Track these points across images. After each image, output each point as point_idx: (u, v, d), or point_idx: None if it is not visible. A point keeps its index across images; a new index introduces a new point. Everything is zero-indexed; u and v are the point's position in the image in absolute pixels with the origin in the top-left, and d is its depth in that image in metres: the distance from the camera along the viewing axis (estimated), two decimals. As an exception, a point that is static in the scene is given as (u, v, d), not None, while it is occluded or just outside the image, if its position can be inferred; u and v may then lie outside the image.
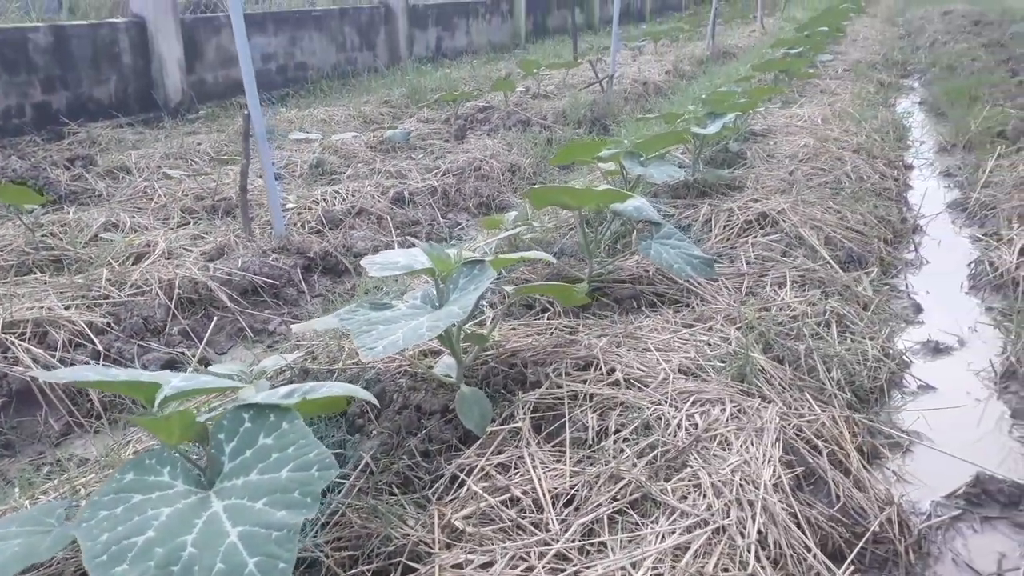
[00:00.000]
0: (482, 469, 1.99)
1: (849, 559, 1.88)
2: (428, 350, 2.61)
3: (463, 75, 10.00)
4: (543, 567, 1.64)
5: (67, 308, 3.32)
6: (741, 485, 1.91)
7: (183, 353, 3.26)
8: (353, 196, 4.96)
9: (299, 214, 4.67)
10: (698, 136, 4.36)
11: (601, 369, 2.36)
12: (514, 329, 2.73)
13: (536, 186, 2.81)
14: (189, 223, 4.63)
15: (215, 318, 3.49)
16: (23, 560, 1.31)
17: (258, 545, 1.17)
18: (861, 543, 1.95)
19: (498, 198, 5.37)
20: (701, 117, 4.77)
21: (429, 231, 4.84)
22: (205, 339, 3.26)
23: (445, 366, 2.38)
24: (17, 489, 2.13)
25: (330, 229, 4.55)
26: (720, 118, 4.44)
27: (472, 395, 2.21)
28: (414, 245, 2.61)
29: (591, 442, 2.10)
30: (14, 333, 3.09)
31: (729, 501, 1.86)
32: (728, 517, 1.82)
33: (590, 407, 2.21)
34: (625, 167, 3.45)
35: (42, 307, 3.29)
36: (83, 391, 2.95)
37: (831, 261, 3.45)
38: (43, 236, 4.28)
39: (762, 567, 1.72)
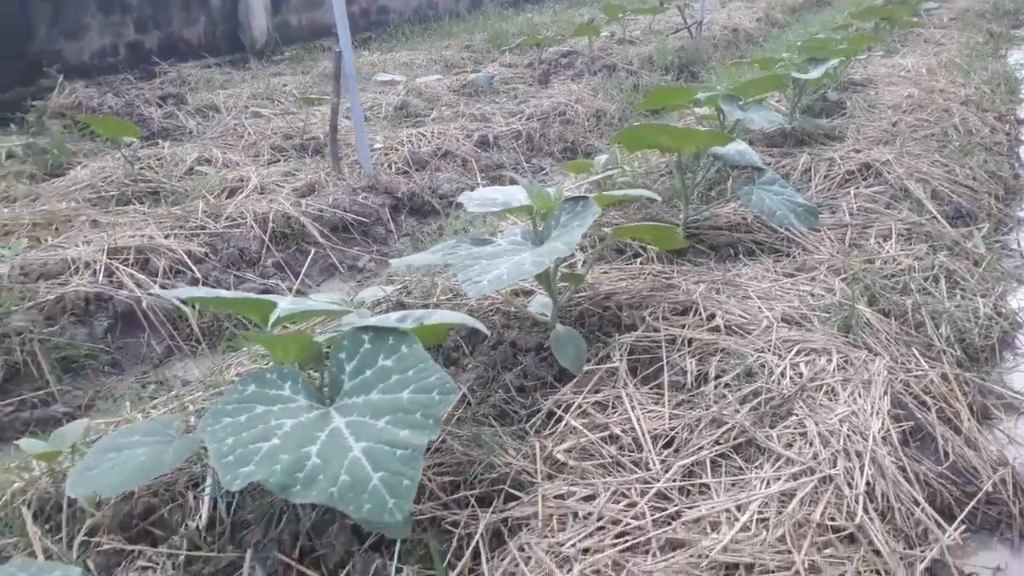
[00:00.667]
0: (579, 407, 1.98)
1: (960, 518, 1.81)
2: (519, 290, 2.60)
3: (545, 20, 9.82)
4: (645, 504, 1.63)
5: (166, 237, 3.41)
6: (848, 436, 1.85)
7: (277, 284, 3.32)
8: (438, 138, 4.94)
9: (386, 155, 4.67)
10: (798, 82, 4.18)
11: (700, 314, 2.31)
12: (606, 273, 2.68)
13: (632, 125, 2.73)
14: (279, 161, 4.68)
15: (309, 253, 3.55)
16: (150, 471, 1.35)
17: (382, 461, 1.17)
18: (972, 503, 1.88)
19: (583, 143, 5.28)
20: (800, 63, 4.57)
21: (514, 173, 4.79)
22: (303, 272, 3.32)
23: (539, 305, 2.36)
24: (128, 403, 2.21)
25: (416, 170, 4.55)
26: (822, 64, 4.25)
27: (567, 334, 2.19)
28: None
29: (690, 386, 2.06)
30: (118, 259, 3.19)
31: (836, 451, 1.81)
32: (835, 467, 1.77)
33: (689, 352, 2.17)
34: (724, 111, 3.33)
35: (143, 235, 3.38)
36: (183, 316, 3.04)
37: (938, 215, 3.29)
38: (140, 169, 4.39)
39: (870, 519, 1.67)
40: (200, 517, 1.64)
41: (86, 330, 2.89)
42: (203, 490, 1.70)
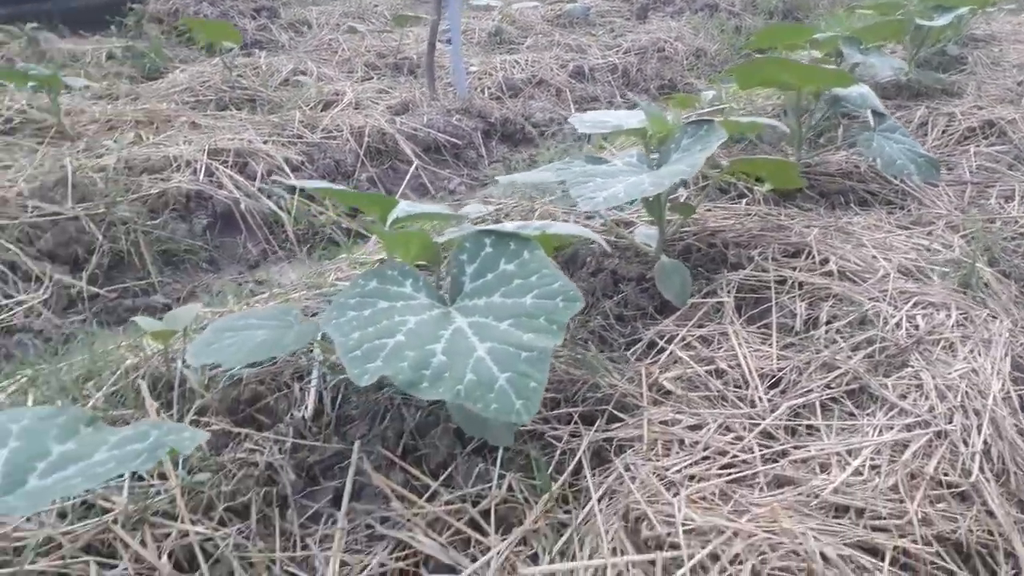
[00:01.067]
0: (683, 339, 1.93)
1: (1078, 489, 1.72)
2: (619, 220, 2.54)
3: (645, -44, 9.48)
4: (752, 439, 1.59)
5: (264, 142, 3.43)
6: (967, 393, 1.77)
7: (369, 199, 3.32)
8: (532, 67, 4.85)
9: (480, 79, 4.61)
10: (919, 31, 3.95)
11: (813, 258, 2.22)
12: (710, 211, 2.60)
13: (747, 60, 2.60)
14: (372, 78, 4.66)
15: (401, 171, 3.54)
16: (271, 348, 1.37)
17: (508, 363, 1.16)
18: (1092, 475, 1.78)
19: (681, 81, 5.12)
20: (922, 11, 4.31)
21: (608, 108, 4.68)
22: (399, 191, 3.32)
23: (643, 235, 2.30)
24: (231, 297, 2.25)
25: (510, 97, 4.48)
26: (949, 12, 4.00)
27: (672, 266, 2.14)
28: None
29: (799, 330, 1.99)
30: (218, 160, 3.23)
31: (953, 407, 1.73)
32: (951, 423, 1.69)
33: (799, 295, 2.09)
34: (844, 53, 3.16)
35: (242, 139, 3.41)
36: (279, 222, 3.07)
37: (1065, 181, 3.09)
38: (237, 76, 4.42)
39: (985, 479, 1.60)
40: (306, 408, 1.66)
41: (186, 226, 2.95)
42: (309, 382, 1.72)
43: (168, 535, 1.34)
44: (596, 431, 1.59)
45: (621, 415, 1.64)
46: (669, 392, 1.71)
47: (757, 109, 3.65)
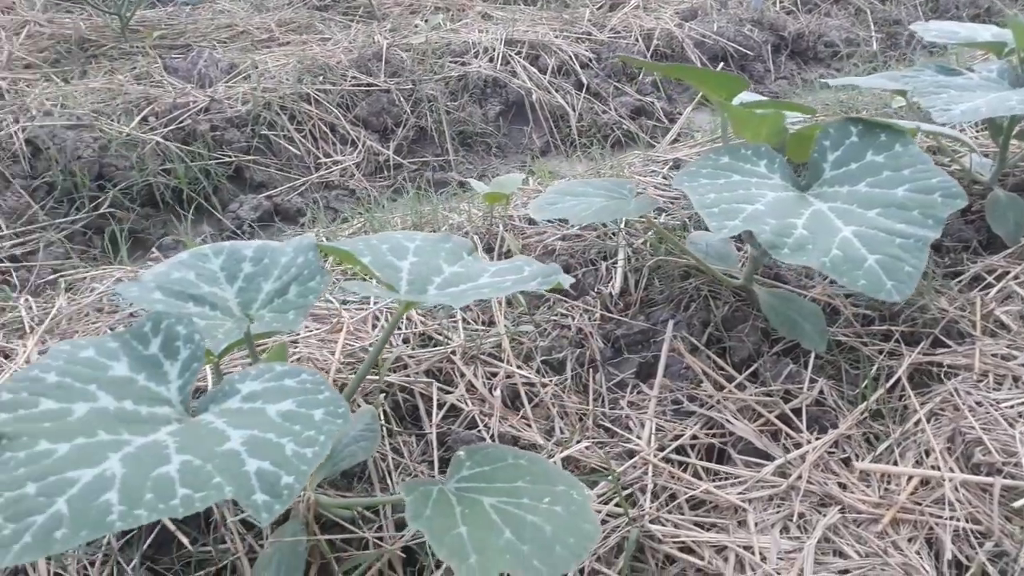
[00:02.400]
0: (1017, 276, 1.76)
1: None
2: (932, 147, 2.33)
3: None
4: (1102, 391, 1.43)
5: (556, 37, 3.47)
6: None
7: (652, 103, 3.29)
8: (832, -19, 4.49)
9: (774, -10, 4.35)
10: None
11: None
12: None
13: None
14: (660, -18, 4.55)
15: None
16: (613, 212, 1.41)
17: (878, 245, 1.12)
18: None
19: (997, 10, 4.54)
20: None
21: (910, 33, 4.27)
22: (689, 111, 3.24)
23: (976, 163, 2.10)
24: (529, 180, 2.34)
25: (805, 12, 4.20)
26: None
27: (1008, 200, 1.94)
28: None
29: None
30: (513, 50, 3.32)
31: None
32: None
33: None
34: None
35: (535, 32, 3.47)
36: (564, 116, 3.13)
37: None
38: (528, -28, 4.47)
39: None
40: (613, 285, 1.71)
41: (481, 111, 3.08)
42: (615, 263, 1.76)
43: (495, 374, 1.45)
44: (919, 352, 1.51)
45: (948, 341, 1.54)
46: (1005, 325, 1.58)
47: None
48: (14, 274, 2.18)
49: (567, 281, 1.06)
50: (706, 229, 1.87)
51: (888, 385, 1.46)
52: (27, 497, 0.68)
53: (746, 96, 1.59)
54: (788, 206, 1.21)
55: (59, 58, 3.30)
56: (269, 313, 1.00)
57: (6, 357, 1.49)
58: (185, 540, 1.13)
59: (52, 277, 2.11)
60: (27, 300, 1.70)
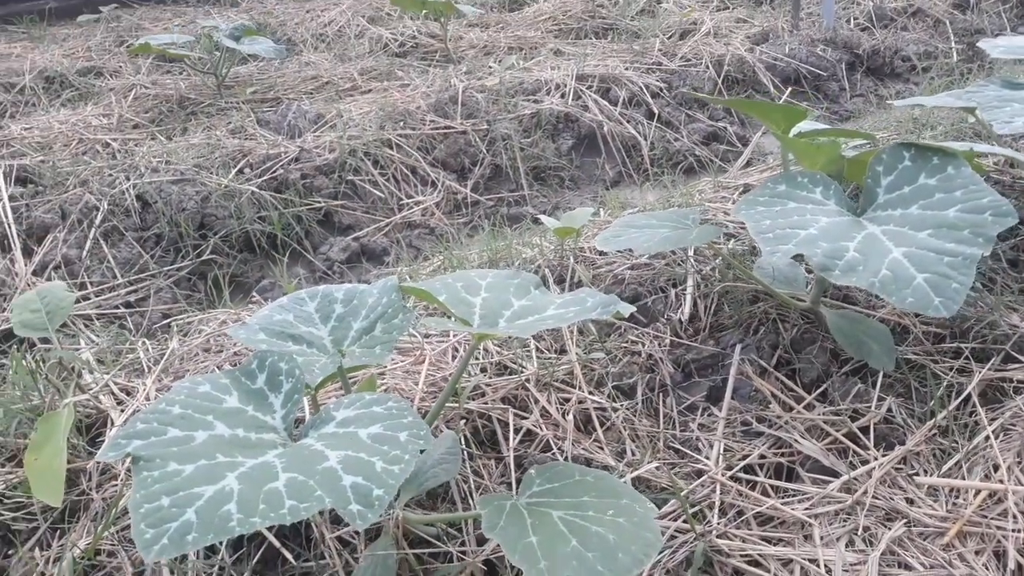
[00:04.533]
0: (1096, 288, 1.75)
1: None
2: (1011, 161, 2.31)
3: None
4: None
5: (626, 69, 3.56)
6: None
7: (725, 128, 3.34)
8: (906, -5, 4.45)
9: (846, 8, 4.34)
10: None
11: None
12: None
13: None
14: (728, 8, 4.59)
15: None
16: (677, 242, 1.49)
17: (927, 264, 1.16)
18: None
19: (1092, 13, 4.40)
20: None
21: (992, 43, 4.18)
22: (759, 137, 3.28)
23: (1051, 174, 2.08)
24: (601, 211, 2.43)
25: (880, 27, 4.17)
26: None
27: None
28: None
29: None
30: (584, 84, 3.43)
31: None
32: None
33: None
34: None
35: (605, 65, 3.58)
36: (636, 146, 3.21)
37: None
38: (597, 6, 4.60)
39: None
40: (682, 311, 1.77)
41: (554, 145, 3.19)
42: (684, 289, 1.83)
43: (568, 399, 1.54)
44: (989, 368, 1.52)
45: (1019, 356, 1.55)
46: (1082, 340, 1.57)
47: None
48: (129, 319, 2.39)
49: (627, 309, 1.14)
50: (772, 253, 1.92)
51: (957, 402, 1.48)
52: (162, 508, 0.80)
53: (806, 125, 1.64)
54: (841, 230, 1.26)
55: (162, 117, 3.58)
56: (359, 348, 1.12)
57: (128, 394, 1.66)
58: (289, 556, 1.25)
59: (164, 322, 2.31)
60: (143, 343, 1.88)
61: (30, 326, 1.51)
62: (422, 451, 0.90)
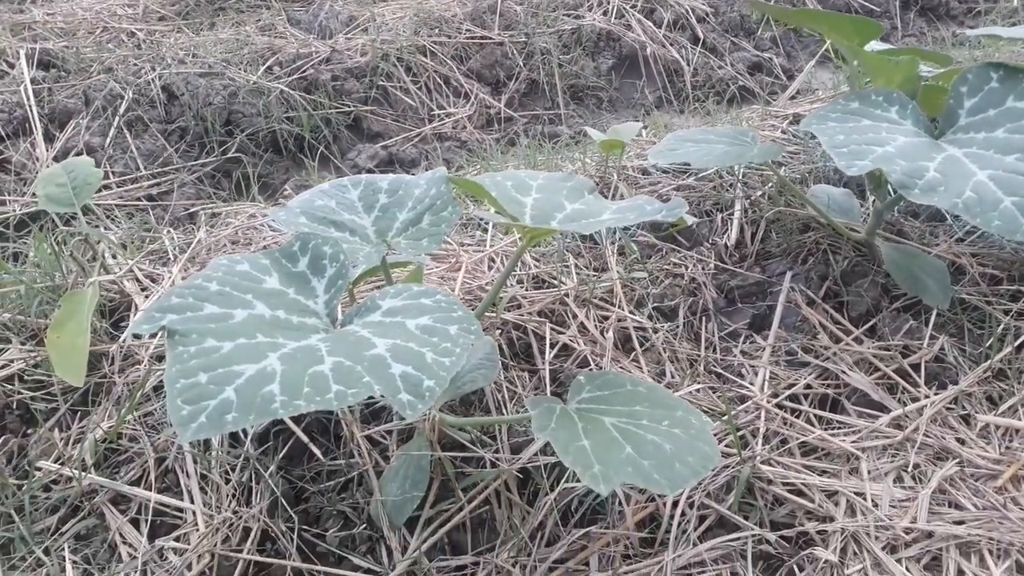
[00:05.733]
0: None
1: None
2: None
3: None
4: None
5: (672, -9, 3.41)
6: None
7: (771, 59, 3.20)
8: (969, -67, 4.23)
9: (905, -57, 4.14)
10: None
11: None
12: None
13: None
14: (781, -65, 4.38)
15: (803, 34, 3.34)
16: (736, 158, 1.41)
17: (1015, 188, 1.10)
18: None
19: None
20: None
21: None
22: (810, 66, 3.15)
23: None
24: (643, 131, 2.33)
25: (939, -35, 3.97)
26: None
27: None
28: None
29: None
30: (628, 2, 3.28)
31: None
32: None
33: None
34: None
35: (651, -15, 3.42)
36: (678, 71, 3.09)
37: None
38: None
39: None
40: (728, 236, 1.70)
41: (593, 64, 3.07)
42: (731, 214, 1.75)
43: (607, 318, 1.48)
44: (1049, 313, 1.46)
45: (1083, 303, 1.48)
46: None
47: None
48: (151, 212, 2.34)
49: (691, 219, 1.08)
50: (827, 182, 1.84)
51: (1016, 344, 1.42)
52: (200, 384, 0.76)
53: (876, 45, 1.54)
54: (920, 150, 1.18)
55: (189, 10, 3.46)
56: (404, 240, 1.06)
57: (153, 280, 1.61)
58: (317, 451, 1.22)
59: (187, 212, 2.26)
60: (169, 231, 1.83)
61: (56, 200, 1.45)
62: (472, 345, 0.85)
